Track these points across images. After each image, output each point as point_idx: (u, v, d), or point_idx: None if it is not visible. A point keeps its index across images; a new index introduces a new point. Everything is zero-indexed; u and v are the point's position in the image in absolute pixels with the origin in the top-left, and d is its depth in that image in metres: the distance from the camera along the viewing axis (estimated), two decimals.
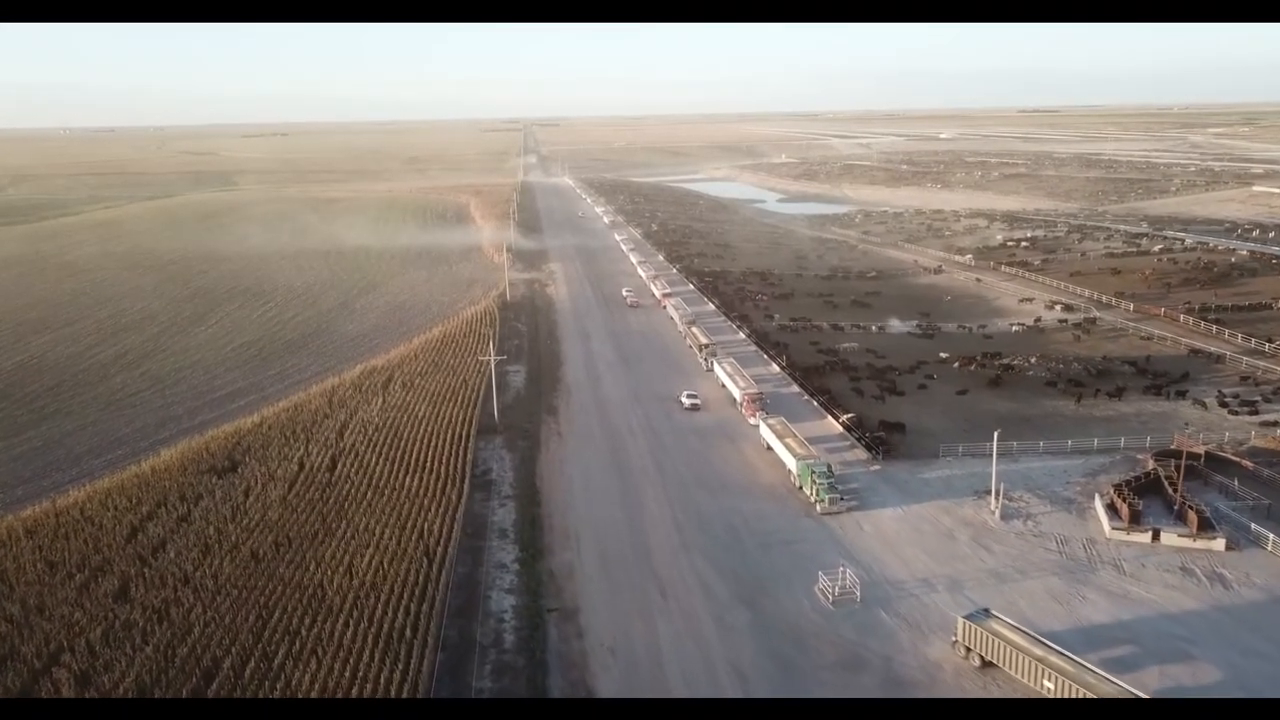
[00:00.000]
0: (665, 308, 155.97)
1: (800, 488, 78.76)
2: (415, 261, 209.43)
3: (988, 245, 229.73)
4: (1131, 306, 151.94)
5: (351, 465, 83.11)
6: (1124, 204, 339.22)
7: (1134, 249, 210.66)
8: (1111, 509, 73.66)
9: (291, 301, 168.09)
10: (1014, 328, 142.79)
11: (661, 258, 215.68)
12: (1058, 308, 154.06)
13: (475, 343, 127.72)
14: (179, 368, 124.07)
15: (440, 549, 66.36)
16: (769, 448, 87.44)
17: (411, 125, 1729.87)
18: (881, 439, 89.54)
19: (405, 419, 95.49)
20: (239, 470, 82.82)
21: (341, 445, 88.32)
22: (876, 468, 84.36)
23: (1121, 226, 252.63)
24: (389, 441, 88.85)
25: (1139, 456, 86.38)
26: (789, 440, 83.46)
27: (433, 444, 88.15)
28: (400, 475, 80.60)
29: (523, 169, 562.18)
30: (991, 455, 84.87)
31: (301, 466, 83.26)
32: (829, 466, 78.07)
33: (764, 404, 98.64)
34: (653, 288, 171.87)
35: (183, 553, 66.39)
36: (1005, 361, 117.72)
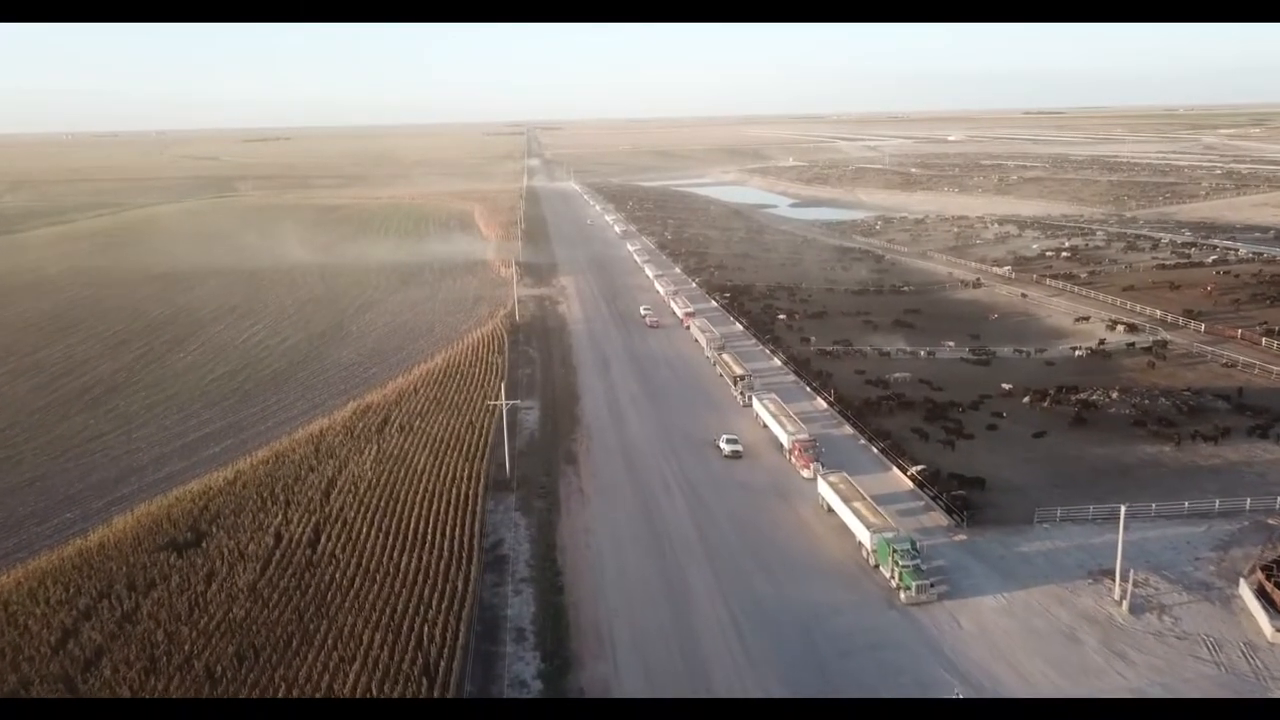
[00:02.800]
0: (688, 328, 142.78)
1: (876, 566, 65.36)
2: (416, 276, 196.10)
3: (1024, 255, 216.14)
4: (1203, 327, 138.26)
5: (338, 539, 69.76)
6: (1152, 208, 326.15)
7: (1184, 260, 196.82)
8: (1264, 598, 60.21)
9: (281, 322, 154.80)
10: (1076, 352, 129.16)
11: (678, 270, 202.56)
12: (1120, 328, 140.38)
13: (482, 373, 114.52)
14: (150, 404, 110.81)
15: (444, 664, 52.95)
16: (830, 509, 74.06)
17: (414, 129, 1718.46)
18: (963, 499, 76.05)
19: (403, 473, 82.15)
20: (204, 545, 69.45)
21: (327, 510, 74.98)
22: (962, 537, 70.85)
23: (1164, 235, 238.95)
24: (383, 505, 75.54)
25: (1270, 522, 73.00)
26: (858, 504, 69.95)
27: (434, 507, 74.86)
28: (395, 552, 67.24)
29: (527, 173, 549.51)
30: (1099, 522, 72.31)
31: (278, 539, 69.94)
32: (913, 542, 64.39)
33: (818, 452, 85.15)
34: (673, 305, 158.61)
35: (121, 669, 53.00)
36: (1083, 397, 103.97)
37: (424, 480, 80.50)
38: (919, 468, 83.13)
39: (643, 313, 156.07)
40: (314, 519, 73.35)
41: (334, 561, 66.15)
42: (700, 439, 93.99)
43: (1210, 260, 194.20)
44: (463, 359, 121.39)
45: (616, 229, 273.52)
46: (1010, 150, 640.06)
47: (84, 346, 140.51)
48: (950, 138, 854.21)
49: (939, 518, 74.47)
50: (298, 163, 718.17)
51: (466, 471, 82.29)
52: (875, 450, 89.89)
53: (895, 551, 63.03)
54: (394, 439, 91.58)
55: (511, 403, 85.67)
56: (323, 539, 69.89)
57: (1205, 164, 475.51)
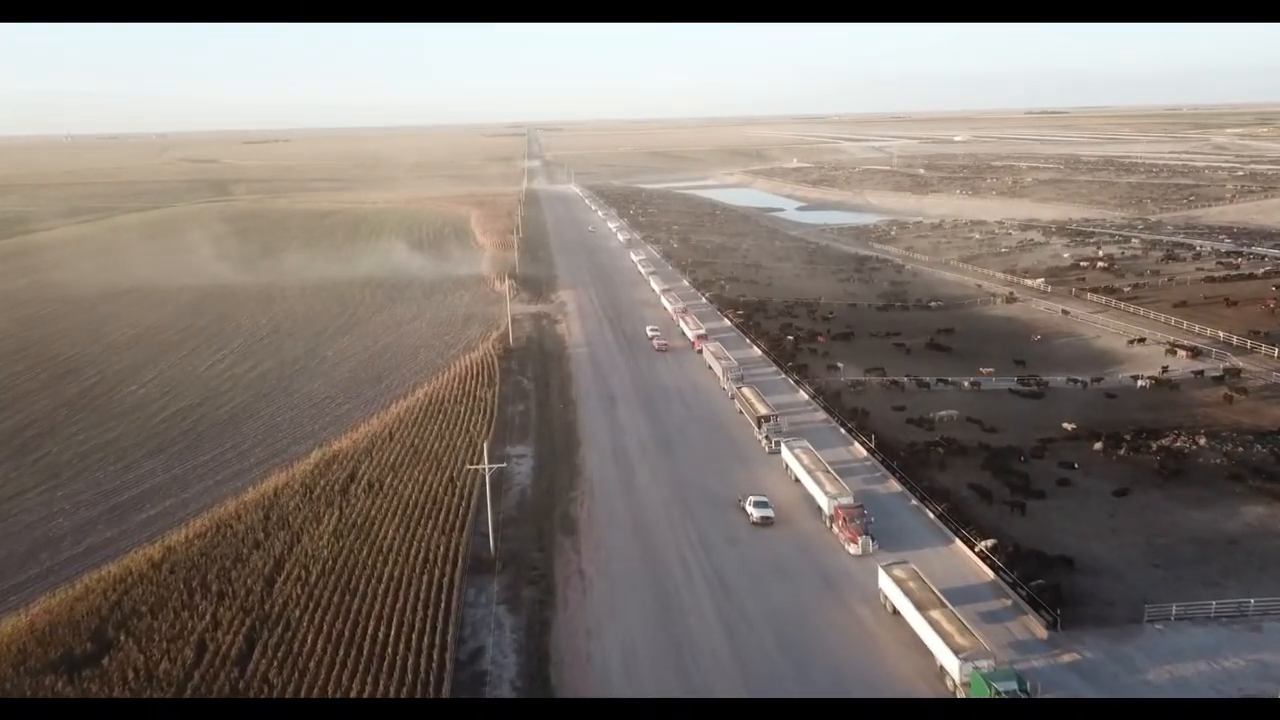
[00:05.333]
0: (700, 352, 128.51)
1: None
2: (404, 292, 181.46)
3: (1057, 266, 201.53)
4: (1276, 351, 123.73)
5: (275, 651, 55.37)
6: (1177, 212, 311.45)
7: (1233, 271, 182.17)
8: None
9: (252, 347, 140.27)
10: (1140, 382, 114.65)
11: (686, 282, 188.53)
12: (1182, 353, 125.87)
13: (468, 412, 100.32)
14: (86, 451, 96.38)
15: None
16: (894, 611, 59.53)
17: (414, 130, 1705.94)
18: (1053, 590, 61.57)
19: (365, 551, 67.92)
20: (105, 661, 55.01)
21: (268, 607, 60.64)
22: (1069, 658, 55.75)
23: (1203, 242, 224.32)
24: (336, 599, 61.27)
25: None
26: (936, 615, 55.07)
27: (400, 602, 60.69)
28: (345, 674, 52.88)
29: (527, 175, 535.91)
30: (1224, 622, 58.48)
31: (200, 652, 55.59)
32: (1021, 680, 49.32)
33: (866, 522, 70.87)
34: (682, 325, 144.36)
35: None
36: (1165, 443, 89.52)
37: (390, 561, 66.30)
38: (989, 543, 68.75)
39: (649, 334, 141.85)
40: (250, 620, 59.00)
41: (265, 689, 51.79)
42: (723, 498, 79.71)
43: (1262, 272, 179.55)
44: (447, 393, 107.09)
45: (620, 236, 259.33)
46: (1018, 151, 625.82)
47: (27, 376, 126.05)
48: (956, 138, 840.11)
49: (1027, 617, 59.87)
50: (296, 165, 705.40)
51: (442, 548, 68.13)
52: (931, 515, 75.49)
53: (995, 691, 48.31)
54: (359, 502, 77.27)
55: (495, 466, 71.26)
56: (256, 651, 55.52)
57: (1225, 165, 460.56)
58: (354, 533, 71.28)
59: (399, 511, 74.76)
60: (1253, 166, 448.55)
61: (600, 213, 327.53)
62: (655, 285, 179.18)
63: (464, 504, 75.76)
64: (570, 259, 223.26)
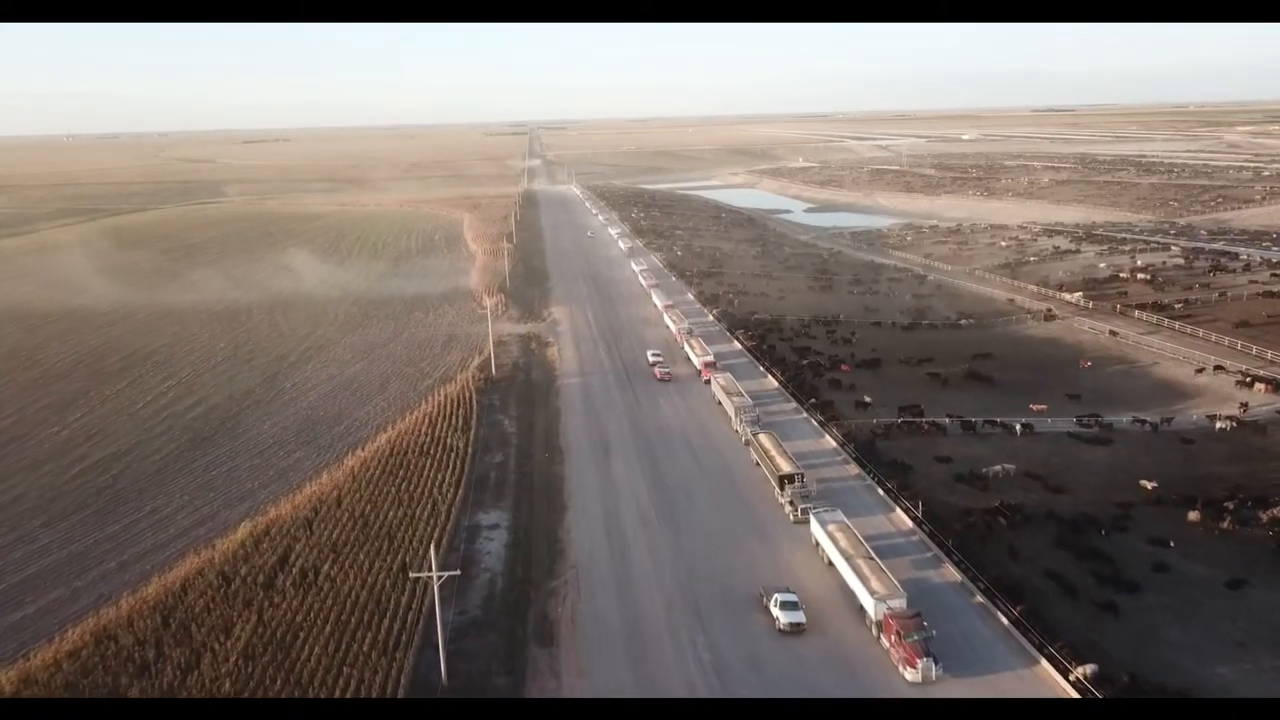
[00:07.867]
0: (709, 382, 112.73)
1: None
2: (382, 308, 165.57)
3: (1094, 278, 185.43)
4: None
5: None
6: (1206, 215, 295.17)
7: None
8: None
9: (201, 376, 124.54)
10: (1219, 424, 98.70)
11: (691, 296, 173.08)
12: (1259, 386, 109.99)
13: (435, 465, 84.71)
14: None
15: None
16: None
17: (416, 130, 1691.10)
18: None
19: (279, 683, 52.29)
20: None
21: None
22: None
23: (1249, 250, 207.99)
24: None
25: None
26: None
27: None
28: None
29: (527, 175, 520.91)
30: None
31: None
32: None
33: (927, 638, 55.15)
34: (688, 349, 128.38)
35: None
36: (1277, 514, 73.62)
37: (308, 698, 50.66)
38: (1087, 669, 52.95)
39: (651, 359, 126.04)
40: None
41: None
42: (740, 592, 64.03)
43: None
44: (413, 440, 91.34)
45: (620, 243, 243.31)
46: (1029, 150, 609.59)
47: None
48: (964, 136, 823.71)
49: None
50: (293, 165, 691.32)
51: (380, 672, 52.57)
52: (1004, 619, 59.73)
53: None
54: (286, 601, 61.62)
55: (445, 574, 55.21)
56: None
57: (1250, 164, 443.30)
58: (270, 650, 55.68)
59: (332, 615, 59.21)
60: (1277, 166, 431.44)
61: (600, 216, 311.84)
62: (658, 300, 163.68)
63: (414, 605, 60.19)
64: (566, 269, 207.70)
